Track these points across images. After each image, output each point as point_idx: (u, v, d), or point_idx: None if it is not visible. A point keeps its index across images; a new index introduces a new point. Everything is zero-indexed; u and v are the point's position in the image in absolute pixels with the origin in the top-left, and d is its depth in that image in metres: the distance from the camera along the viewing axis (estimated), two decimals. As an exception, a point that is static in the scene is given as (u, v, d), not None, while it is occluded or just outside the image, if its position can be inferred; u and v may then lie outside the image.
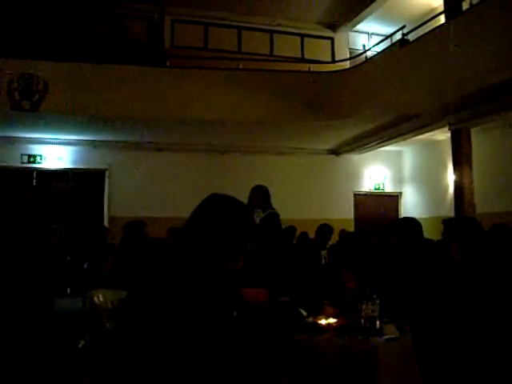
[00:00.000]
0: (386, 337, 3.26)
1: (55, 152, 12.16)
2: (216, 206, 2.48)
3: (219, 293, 2.32)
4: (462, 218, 3.75)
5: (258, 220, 6.92)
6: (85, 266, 8.52)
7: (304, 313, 3.75)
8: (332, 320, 3.63)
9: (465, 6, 10.15)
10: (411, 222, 4.52)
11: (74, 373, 2.77)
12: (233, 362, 2.36)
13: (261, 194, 7.10)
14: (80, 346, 3.03)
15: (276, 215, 7.08)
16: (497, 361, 3.28)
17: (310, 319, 3.66)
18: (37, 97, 9.99)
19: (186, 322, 2.17)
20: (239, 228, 2.41)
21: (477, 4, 8.71)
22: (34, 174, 12.22)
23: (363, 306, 3.33)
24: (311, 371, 3.20)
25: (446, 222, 4.88)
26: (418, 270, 4.32)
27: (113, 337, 2.40)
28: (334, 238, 9.16)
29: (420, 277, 4.21)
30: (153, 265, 2.56)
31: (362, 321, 3.33)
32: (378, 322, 3.31)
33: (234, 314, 2.57)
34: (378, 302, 3.32)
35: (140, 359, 2.17)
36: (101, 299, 5.21)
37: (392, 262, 5.38)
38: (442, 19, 10.57)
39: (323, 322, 3.61)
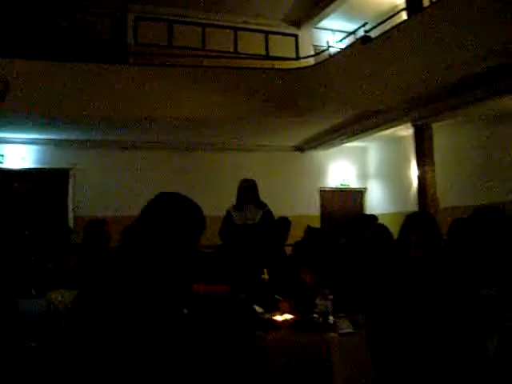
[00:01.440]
0: (340, 331, 3.29)
1: (18, 151, 11.96)
2: (163, 204, 2.48)
3: (166, 290, 2.32)
4: (419, 212, 3.78)
5: (250, 215, 6.96)
6: (49, 267, 8.44)
7: (260, 309, 3.76)
8: (287, 316, 3.65)
9: (426, 2, 10.29)
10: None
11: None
12: (181, 358, 2.36)
13: (249, 189, 7.05)
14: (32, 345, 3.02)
15: (271, 213, 7.07)
16: (450, 354, 3.32)
17: (266, 315, 3.68)
18: (-3, 95, 9.83)
19: (130, 320, 2.17)
20: (186, 226, 2.41)
21: (436, 1, 8.81)
22: (-3, 174, 12.03)
23: (317, 302, 3.35)
24: (266, 367, 3.21)
25: (407, 217, 4.94)
26: (377, 264, 4.37)
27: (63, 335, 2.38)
28: (299, 234, 9.18)
29: (377, 271, 4.25)
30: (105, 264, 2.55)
31: (316, 316, 3.36)
32: (331, 317, 3.34)
33: (185, 311, 2.57)
34: (331, 297, 3.35)
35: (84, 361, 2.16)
36: (59, 299, 5.17)
37: (352, 257, 5.44)
38: (405, 16, 10.71)
39: (278, 318, 3.63)
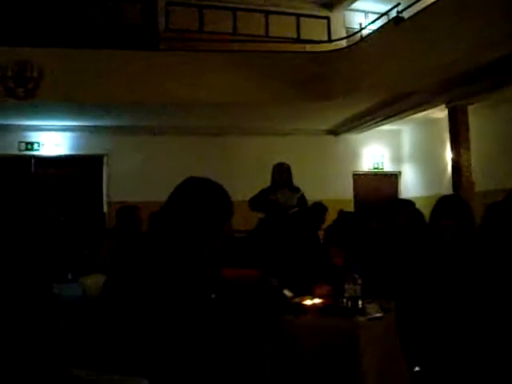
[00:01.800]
0: (369, 316, 3.28)
1: (52, 139, 12.15)
2: (190, 190, 2.48)
3: (194, 275, 2.32)
4: (449, 196, 3.73)
5: (284, 199, 6.98)
6: (85, 252, 8.56)
7: (289, 294, 3.75)
8: (317, 300, 3.63)
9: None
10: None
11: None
12: (210, 343, 2.37)
13: (283, 173, 7.10)
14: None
15: (305, 197, 7.07)
16: (481, 340, 3.27)
17: (296, 300, 3.67)
18: (31, 84, 9.96)
19: (158, 306, 2.18)
20: (213, 212, 2.41)
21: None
22: (32, 161, 12.22)
23: (345, 286, 3.33)
24: (294, 352, 3.21)
25: (437, 201, 4.87)
26: (408, 249, 4.33)
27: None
28: (333, 218, 9.13)
29: (408, 255, 4.21)
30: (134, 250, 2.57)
31: (345, 300, 3.34)
32: (360, 302, 3.32)
33: (212, 296, 2.58)
34: (360, 281, 3.33)
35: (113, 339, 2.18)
36: (91, 283, 5.24)
37: (384, 241, 5.39)
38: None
39: (308, 302, 3.62)
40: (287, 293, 3.76)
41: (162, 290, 2.21)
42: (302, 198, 7.06)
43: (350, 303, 3.33)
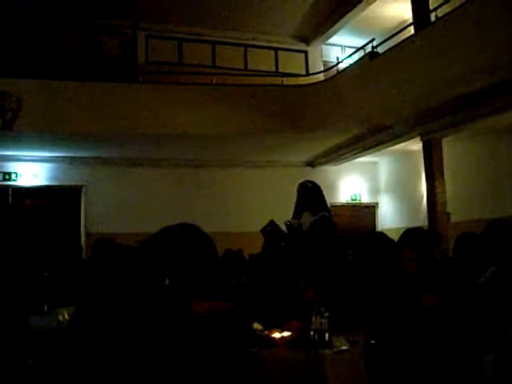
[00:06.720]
0: (335, 349, 3.31)
1: (31, 169, 12.11)
2: (180, 237, 2.56)
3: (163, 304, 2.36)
4: (413, 228, 3.80)
5: (305, 225, 5.77)
6: (62, 284, 8.49)
7: (259, 326, 3.78)
8: (286, 333, 3.67)
9: (433, 17, 10.31)
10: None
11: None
12: (178, 375, 2.38)
13: (305, 194, 5.89)
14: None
15: (327, 219, 5.74)
16: (446, 372, 3.31)
17: (265, 332, 3.70)
18: (10, 115, 9.97)
19: (125, 339, 2.20)
20: (198, 261, 2.49)
21: (443, 16, 8.83)
22: (10, 192, 12.16)
23: (312, 319, 3.37)
24: (261, 384, 3.24)
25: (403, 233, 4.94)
26: (381, 281, 4.38)
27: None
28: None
29: (378, 288, 4.27)
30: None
31: (312, 333, 3.38)
32: (327, 335, 3.36)
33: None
34: (326, 314, 3.37)
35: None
36: (65, 316, 5.20)
37: (361, 273, 5.45)
38: (412, 31, 10.73)
39: (277, 335, 3.65)
40: (257, 326, 3.79)
41: (129, 321, 2.23)
42: (315, 222, 5.66)
43: (316, 336, 3.37)
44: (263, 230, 6.01)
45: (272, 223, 5.98)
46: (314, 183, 6.03)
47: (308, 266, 4.50)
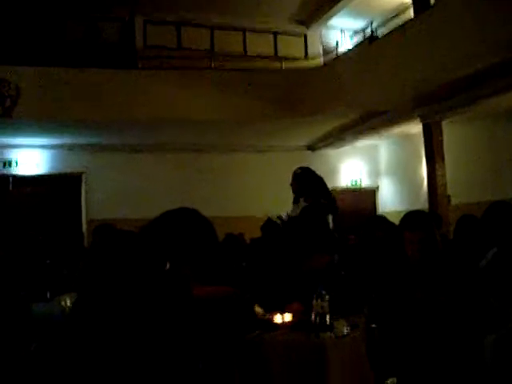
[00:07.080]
0: (336, 332, 3.33)
1: (30, 157, 12.10)
2: (178, 220, 2.56)
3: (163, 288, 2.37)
4: (413, 211, 3.81)
5: (294, 211, 5.86)
6: (64, 271, 8.52)
7: (260, 310, 3.79)
8: (287, 317, 3.68)
9: (433, 0, 10.25)
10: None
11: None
12: (180, 360, 2.40)
13: (296, 181, 6.05)
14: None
15: (313, 207, 5.69)
16: (447, 354, 3.33)
17: (266, 316, 3.71)
18: (9, 102, 9.95)
19: (127, 323, 2.21)
20: (198, 245, 2.50)
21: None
22: (10, 180, 12.16)
23: (313, 303, 3.39)
24: (262, 368, 3.26)
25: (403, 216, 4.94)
26: (383, 265, 4.39)
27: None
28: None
29: (379, 271, 4.28)
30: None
31: (313, 317, 3.39)
32: (328, 318, 3.37)
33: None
34: (327, 298, 3.38)
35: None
36: (68, 303, 5.23)
37: (362, 257, 5.46)
38: (412, 13, 10.67)
39: (278, 318, 3.66)
40: (258, 309, 3.80)
41: (130, 307, 2.24)
42: (306, 208, 5.68)
43: (317, 320, 3.38)
44: (262, 228, 6.26)
45: (269, 220, 6.15)
46: (304, 169, 6.13)
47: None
